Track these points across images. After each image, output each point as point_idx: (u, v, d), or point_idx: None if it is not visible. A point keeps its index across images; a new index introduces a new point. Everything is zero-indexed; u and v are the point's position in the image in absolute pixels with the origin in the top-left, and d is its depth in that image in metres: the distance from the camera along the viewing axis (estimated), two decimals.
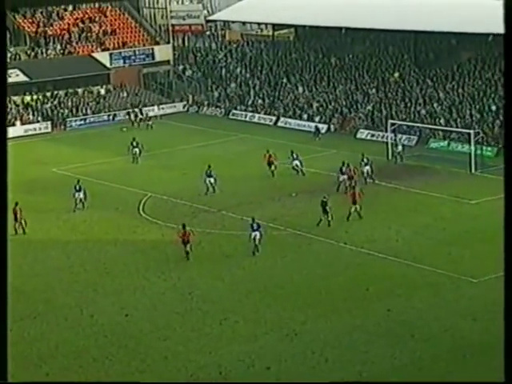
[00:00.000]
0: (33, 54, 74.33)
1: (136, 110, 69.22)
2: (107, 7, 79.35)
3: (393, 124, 55.50)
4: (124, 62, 76.10)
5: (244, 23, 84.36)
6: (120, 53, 76.20)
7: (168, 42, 79.31)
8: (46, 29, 75.80)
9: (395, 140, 54.01)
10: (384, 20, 64.35)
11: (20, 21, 75.33)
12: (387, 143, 54.03)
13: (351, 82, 67.79)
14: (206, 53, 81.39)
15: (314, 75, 70.84)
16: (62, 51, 75.06)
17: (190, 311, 31.55)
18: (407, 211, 42.66)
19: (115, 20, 79.19)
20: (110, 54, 75.61)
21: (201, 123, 66.65)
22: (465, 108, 59.21)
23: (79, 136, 64.84)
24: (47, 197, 47.75)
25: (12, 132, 61.00)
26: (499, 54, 61.39)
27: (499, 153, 51.48)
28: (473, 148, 50.54)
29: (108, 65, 74.77)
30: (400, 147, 53.13)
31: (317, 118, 64.50)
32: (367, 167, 47.83)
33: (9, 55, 69.16)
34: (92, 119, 69.48)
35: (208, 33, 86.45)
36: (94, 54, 75.00)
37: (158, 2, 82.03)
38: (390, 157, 53.07)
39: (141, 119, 67.84)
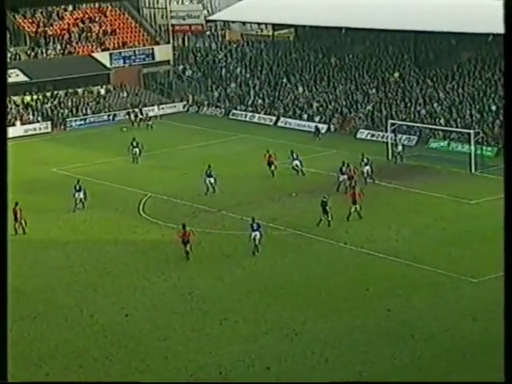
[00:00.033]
0: (33, 53, 74.34)
1: (136, 110, 69.24)
2: (107, 7, 79.35)
3: (393, 124, 55.50)
4: (124, 62, 76.10)
5: (244, 23, 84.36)
6: (120, 53, 76.21)
7: (168, 42, 79.31)
8: (46, 29, 75.80)
9: (395, 140, 54.02)
10: (384, 20, 64.35)
11: (20, 21, 75.34)
12: (387, 143, 54.03)
13: (351, 82, 67.79)
14: (205, 53, 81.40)
15: (314, 75, 70.84)
16: (61, 51, 75.07)
17: (190, 311, 31.55)
18: (407, 211, 42.66)
19: (115, 20, 79.20)
20: (110, 54, 75.62)
21: (201, 123, 66.65)
22: (465, 108, 59.22)
23: (79, 136, 64.84)
24: (47, 197, 47.75)
25: (12, 132, 61.00)
26: (499, 53, 61.39)
27: (499, 153, 51.48)
28: (473, 148, 50.54)
29: (108, 65, 74.78)
30: (400, 147, 53.13)
31: (317, 118, 64.50)
32: (367, 167, 47.83)
33: (9, 55, 69.16)
34: (92, 119, 69.49)
35: (208, 33, 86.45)
36: (94, 54, 75.01)
37: (157, 2, 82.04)
38: (390, 157, 53.07)
39: (141, 119, 67.86)
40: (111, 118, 69.95)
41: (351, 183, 45.33)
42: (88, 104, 70.74)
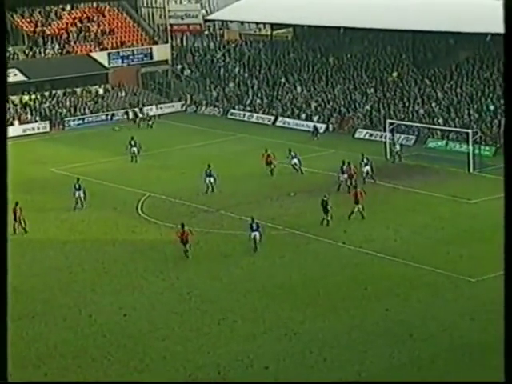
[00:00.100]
0: (31, 53, 74.29)
1: (136, 109, 69.26)
2: (105, 7, 79.30)
3: (391, 123, 55.53)
4: (122, 62, 76.06)
5: (242, 23, 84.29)
6: (118, 52, 76.17)
7: (166, 42, 79.29)
8: (44, 28, 75.75)
9: (393, 139, 54.04)
10: (382, 20, 64.35)
11: (18, 20, 75.29)
12: (385, 143, 54.04)
13: (349, 82, 67.80)
14: (204, 52, 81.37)
15: (312, 75, 70.84)
16: (60, 51, 75.02)
17: (189, 311, 31.55)
18: (405, 211, 42.68)
19: (113, 20, 79.16)
20: (108, 54, 75.58)
21: (199, 123, 66.64)
22: (463, 107, 59.23)
23: (77, 136, 64.81)
24: (45, 196, 47.74)
25: (10, 132, 60.92)
26: (497, 53, 61.42)
27: (497, 152, 51.50)
28: (471, 147, 50.54)
29: (106, 64, 74.75)
30: (398, 147, 53.14)
31: (315, 118, 64.51)
32: (367, 167, 47.81)
33: (7, 55, 69.04)
34: (90, 119, 69.47)
35: (206, 32, 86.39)
36: (92, 54, 74.98)
37: (156, 2, 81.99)
38: (388, 156, 53.08)
39: (141, 118, 67.88)
40: (109, 117, 69.93)
41: (352, 182, 45.35)
42: (86, 104, 70.72)
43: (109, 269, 36.28)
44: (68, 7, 77.62)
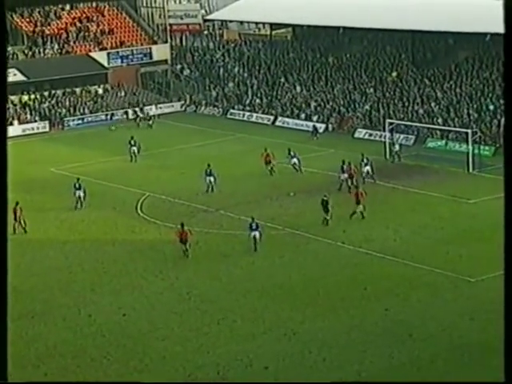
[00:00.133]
0: (30, 53, 74.29)
1: (137, 108, 69.27)
2: (105, 6, 79.31)
3: (391, 123, 55.54)
4: (122, 62, 76.05)
5: (242, 23, 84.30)
6: (118, 52, 76.17)
7: (166, 42, 79.29)
8: (44, 28, 75.75)
9: (392, 139, 54.05)
10: (382, 20, 64.37)
11: (17, 20, 75.29)
12: (385, 143, 54.03)
13: (349, 82, 67.80)
14: (203, 52, 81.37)
15: (311, 75, 70.85)
16: (59, 51, 75.02)
17: (188, 311, 31.55)
18: (405, 211, 42.68)
19: (113, 19, 79.16)
20: (108, 54, 75.59)
21: (199, 123, 66.64)
22: (462, 107, 59.24)
23: (77, 135, 64.80)
24: (45, 196, 47.74)
25: (10, 132, 60.89)
26: (497, 53, 61.44)
27: (497, 152, 51.52)
28: (470, 147, 50.54)
29: (106, 64, 74.75)
30: (397, 146, 53.15)
31: (315, 118, 64.51)
32: (367, 167, 47.81)
33: (6, 54, 69.07)
34: (90, 119, 69.46)
35: (206, 32, 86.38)
36: (92, 54, 74.98)
37: (155, 2, 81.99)
38: (387, 156, 53.08)
39: (141, 118, 67.89)
40: (109, 117, 69.93)
41: (353, 182, 45.37)
42: (86, 103, 70.73)
43: (108, 269, 36.28)
44: (67, 7, 77.61)
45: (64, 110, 69.46)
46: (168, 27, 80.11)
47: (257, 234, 37.33)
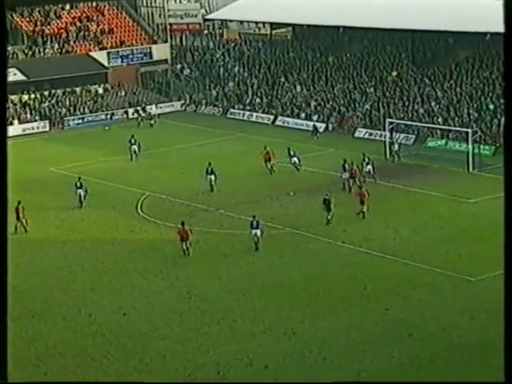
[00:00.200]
0: (30, 52, 74.29)
1: (139, 108, 69.28)
2: (105, 6, 79.31)
3: (391, 123, 55.54)
4: (122, 61, 76.05)
5: (242, 22, 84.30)
6: (118, 52, 76.17)
7: (166, 41, 79.28)
8: (44, 28, 75.75)
9: (392, 139, 54.05)
10: (382, 19, 64.37)
11: (17, 20, 75.29)
12: (385, 142, 54.03)
13: (349, 81, 67.80)
14: (203, 52, 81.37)
15: (311, 74, 70.85)
16: (59, 50, 75.02)
17: (188, 310, 31.55)
18: (405, 210, 42.68)
19: (113, 19, 79.15)
20: (108, 53, 75.59)
21: (199, 122, 66.64)
22: (462, 107, 59.24)
23: (77, 135, 64.81)
24: (45, 196, 47.74)
25: (10, 131, 60.89)
26: (497, 52, 61.44)
27: (497, 151, 51.52)
28: (470, 147, 50.54)
29: (106, 64, 74.75)
30: (396, 146, 53.14)
31: (315, 117, 64.51)
32: (369, 166, 47.81)
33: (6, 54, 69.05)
34: (90, 118, 69.46)
35: (206, 32, 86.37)
36: (92, 53, 74.97)
37: (155, 1, 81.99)
38: (387, 156, 53.07)
39: (143, 118, 67.90)
40: (109, 116, 69.94)
41: (355, 181, 45.38)
42: (86, 103, 70.73)
43: (108, 268, 36.28)
44: (67, 7, 77.60)
45: (64, 110, 69.47)
46: (168, 27, 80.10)
47: (258, 232, 37.36)
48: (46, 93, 70.67)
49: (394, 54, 69.31)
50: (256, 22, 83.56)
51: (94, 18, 78.25)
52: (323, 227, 39.93)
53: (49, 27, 75.99)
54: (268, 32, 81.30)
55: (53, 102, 70.16)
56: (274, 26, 79.15)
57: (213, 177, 47.05)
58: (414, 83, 64.26)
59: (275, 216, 41.99)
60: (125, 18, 79.78)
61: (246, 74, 74.80)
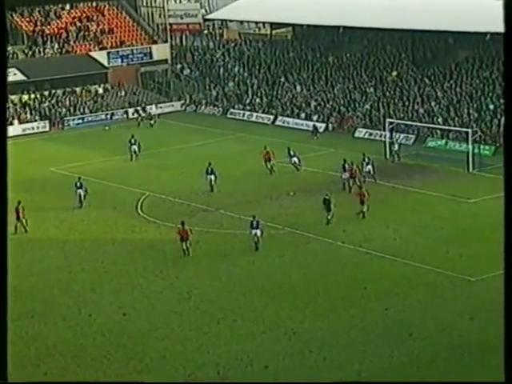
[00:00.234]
0: (30, 52, 74.29)
1: (139, 108, 69.29)
2: (105, 6, 79.31)
3: (391, 123, 55.54)
4: (122, 61, 76.06)
5: (242, 22, 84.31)
6: (118, 52, 76.18)
7: (166, 41, 79.29)
8: (44, 28, 75.75)
9: (392, 138, 54.06)
10: (382, 19, 64.37)
11: (17, 20, 75.29)
12: (385, 142, 54.03)
13: (349, 81, 67.80)
14: (203, 52, 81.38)
15: (311, 74, 70.85)
16: (59, 50, 75.02)
17: (188, 310, 31.56)
18: (405, 210, 42.68)
19: (113, 19, 79.16)
20: (108, 53, 75.59)
21: (199, 122, 66.64)
22: (462, 107, 59.24)
23: (77, 135, 64.81)
24: (45, 196, 47.74)
25: (10, 131, 60.89)
26: (497, 52, 61.45)
27: (497, 151, 51.52)
28: (470, 147, 50.54)
29: (106, 64, 74.75)
30: (396, 146, 53.14)
31: (315, 117, 64.51)
32: (369, 166, 47.82)
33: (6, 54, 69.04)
34: (90, 118, 69.47)
35: (206, 32, 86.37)
36: (92, 53, 74.98)
37: (155, 1, 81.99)
38: (387, 156, 53.07)
39: (143, 118, 67.90)
40: (109, 116, 69.94)
41: (355, 181, 45.38)
42: (86, 103, 70.73)
43: (108, 268, 36.28)
44: (67, 7, 77.59)
45: (64, 110, 69.48)
46: (168, 27, 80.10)
47: (258, 232, 37.37)
48: (46, 93, 70.68)
49: (394, 54, 69.32)
50: (256, 22, 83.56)
51: (94, 18, 78.26)
52: (323, 227, 39.93)
53: (49, 27, 76.00)
54: (268, 32, 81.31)
55: (53, 102, 70.17)
56: (274, 25, 79.16)
57: (213, 177, 47.07)
58: (414, 83, 64.27)
59: (275, 216, 41.99)
60: (125, 18, 79.78)
61: (245, 74, 74.81)
